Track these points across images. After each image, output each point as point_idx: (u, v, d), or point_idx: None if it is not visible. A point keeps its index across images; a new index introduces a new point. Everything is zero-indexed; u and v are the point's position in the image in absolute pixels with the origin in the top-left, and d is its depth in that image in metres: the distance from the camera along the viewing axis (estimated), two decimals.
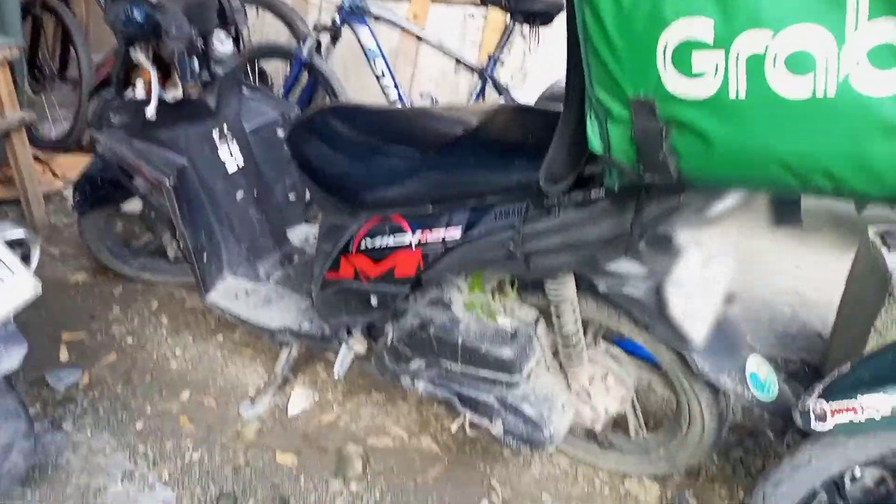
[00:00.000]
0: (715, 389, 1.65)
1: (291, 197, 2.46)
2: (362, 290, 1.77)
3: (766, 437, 2.10)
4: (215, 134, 2.14)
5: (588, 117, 1.14)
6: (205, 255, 2.20)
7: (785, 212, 1.26)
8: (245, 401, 2.24)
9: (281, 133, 2.34)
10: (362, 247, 1.71)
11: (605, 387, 1.80)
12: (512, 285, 1.79)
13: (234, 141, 2.19)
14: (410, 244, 1.62)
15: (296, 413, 2.21)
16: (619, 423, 1.94)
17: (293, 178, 2.45)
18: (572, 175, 1.32)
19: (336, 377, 1.93)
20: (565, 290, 1.60)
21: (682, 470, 1.91)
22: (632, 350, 1.86)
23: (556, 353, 1.80)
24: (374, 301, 1.76)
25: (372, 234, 1.69)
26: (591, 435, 1.97)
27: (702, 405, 1.68)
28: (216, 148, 2.15)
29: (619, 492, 1.97)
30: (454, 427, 1.78)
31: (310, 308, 2.13)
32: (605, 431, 1.93)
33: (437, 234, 1.57)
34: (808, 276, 2.87)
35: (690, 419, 1.74)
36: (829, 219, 3.07)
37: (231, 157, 2.19)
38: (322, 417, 2.20)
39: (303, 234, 2.52)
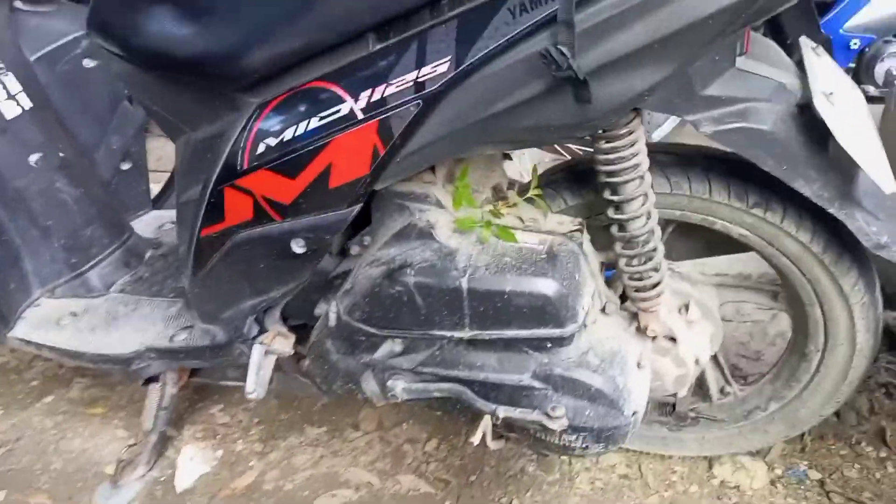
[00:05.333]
0: (872, 283, 1.04)
1: (124, 165, 1.64)
2: (274, 237, 0.99)
3: None
4: None
5: None
6: None
7: None
8: (102, 484, 1.37)
9: (90, 62, 1.51)
10: (260, 152, 0.94)
11: (685, 323, 1.14)
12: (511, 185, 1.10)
13: (10, 72, 1.35)
14: (354, 115, 0.87)
15: (190, 485, 1.38)
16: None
17: (122, 136, 1.63)
18: None
19: (250, 395, 1.12)
20: (633, 140, 0.92)
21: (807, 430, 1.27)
22: None
23: (613, 284, 1.12)
24: (296, 247, 0.99)
25: (276, 127, 0.93)
26: (659, 411, 1.29)
27: (853, 312, 1.05)
28: None
29: (711, 485, 1.31)
30: (475, 439, 1.03)
31: (184, 311, 1.32)
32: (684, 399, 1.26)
33: (401, 82, 0.84)
34: None
35: (828, 342, 1.11)
36: None
37: (8, 97, 1.34)
38: (236, 482, 1.37)
39: (154, 223, 1.69)
